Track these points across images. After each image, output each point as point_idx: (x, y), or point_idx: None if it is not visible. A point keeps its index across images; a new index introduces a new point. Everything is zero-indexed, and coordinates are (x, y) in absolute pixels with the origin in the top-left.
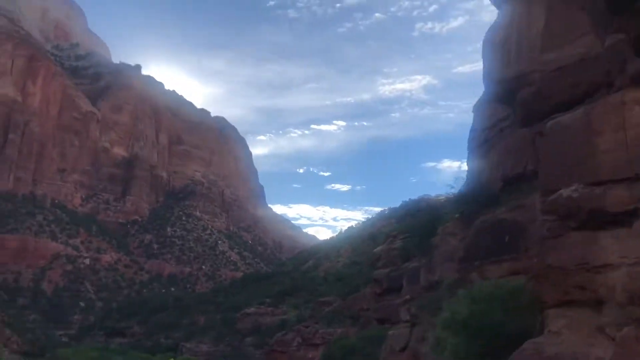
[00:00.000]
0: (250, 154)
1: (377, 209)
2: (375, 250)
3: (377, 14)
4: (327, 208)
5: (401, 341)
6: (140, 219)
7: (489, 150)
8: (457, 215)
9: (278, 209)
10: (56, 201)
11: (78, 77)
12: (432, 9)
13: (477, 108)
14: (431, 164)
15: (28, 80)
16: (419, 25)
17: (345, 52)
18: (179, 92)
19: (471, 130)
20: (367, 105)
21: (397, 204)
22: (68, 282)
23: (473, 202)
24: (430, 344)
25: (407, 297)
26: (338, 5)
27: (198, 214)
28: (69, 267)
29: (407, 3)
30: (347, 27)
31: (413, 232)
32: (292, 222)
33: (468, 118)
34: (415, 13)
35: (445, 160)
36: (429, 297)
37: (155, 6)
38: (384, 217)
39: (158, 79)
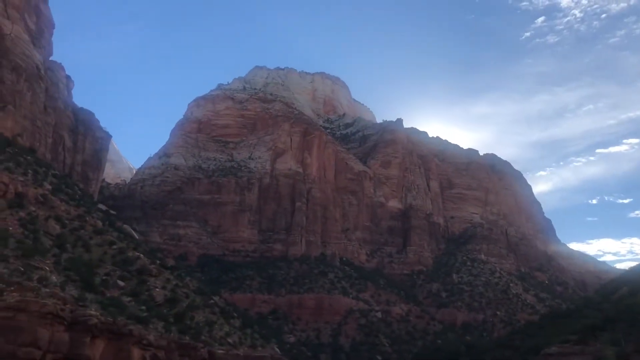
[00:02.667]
0: (530, 187)
1: None
2: None
3: None
4: (635, 239)
5: None
6: (424, 269)
7: None
8: None
9: (574, 247)
10: (344, 259)
11: (348, 143)
12: None
13: None
14: None
15: (305, 152)
16: None
17: (623, 62)
18: (443, 138)
19: None
20: None
21: None
22: (363, 335)
23: None
24: None
25: None
26: (604, 15)
27: (483, 257)
28: (363, 321)
29: None
30: (620, 36)
31: None
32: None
33: None
34: None
35: None
36: None
37: (411, 64)
38: None
39: (421, 129)
